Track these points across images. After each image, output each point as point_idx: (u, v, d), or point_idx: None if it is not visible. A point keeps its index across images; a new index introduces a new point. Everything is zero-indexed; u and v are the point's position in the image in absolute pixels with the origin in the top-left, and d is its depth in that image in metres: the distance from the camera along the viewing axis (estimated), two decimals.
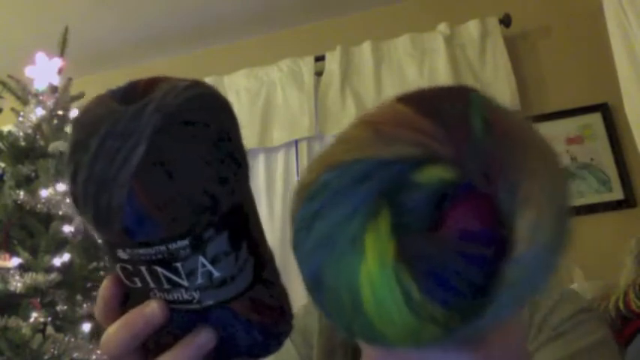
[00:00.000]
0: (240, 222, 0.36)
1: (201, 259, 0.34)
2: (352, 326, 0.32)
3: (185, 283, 0.34)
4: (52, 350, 1.52)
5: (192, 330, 0.36)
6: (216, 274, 0.34)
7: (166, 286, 0.35)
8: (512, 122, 0.33)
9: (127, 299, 0.37)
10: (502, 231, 0.30)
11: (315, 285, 0.33)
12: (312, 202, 0.32)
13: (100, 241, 0.36)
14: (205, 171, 0.33)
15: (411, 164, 0.31)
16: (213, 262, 0.34)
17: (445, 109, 0.32)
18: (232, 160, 0.35)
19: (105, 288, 0.37)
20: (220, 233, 0.34)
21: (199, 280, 0.34)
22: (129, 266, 0.35)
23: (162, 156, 0.32)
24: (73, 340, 1.56)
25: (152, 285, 0.35)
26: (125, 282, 0.36)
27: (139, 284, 0.35)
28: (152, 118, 0.32)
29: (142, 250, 0.34)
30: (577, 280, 1.99)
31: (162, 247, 0.33)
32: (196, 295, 0.35)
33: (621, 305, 1.45)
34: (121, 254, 0.34)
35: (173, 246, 0.33)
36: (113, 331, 0.35)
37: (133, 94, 0.34)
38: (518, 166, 0.30)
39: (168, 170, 0.32)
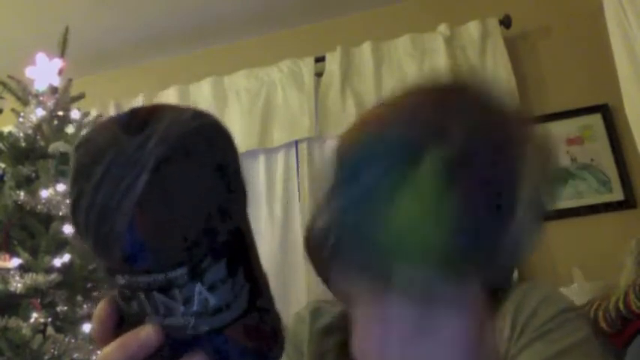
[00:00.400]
0: (238, 248, 0.37)
1: (199, 286, 0.35)
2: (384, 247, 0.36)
3: (181, 309, 0.35)
4: (52, 351, 1.52)
5: (185, 355, 0.37)
6: (212, 301, 0.35)
7: (162, 311, 0.35)
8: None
9: (122, 321, 0.38)
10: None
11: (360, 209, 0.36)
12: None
13: (98, 264, 0.37)
14: (206, 201, 0.34)
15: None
16: (210, 289, 0.35)
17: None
18: (232, 189, 0.36)
19: (101, 309, 0.38)
20: (218, 261, 0.35)
21: (195, 307, 0.35)
22: (127, 291, 0.36)
23: (165, 186, 0.33)
24: (73, 340, 1.56)
25: (149, 310, 0.36)
26: (122, 305, 0.37)
27: (136, 308, 0.36)
28: (156, 149, 0.33)
29: (140, 278, 0.34)
30: (577, 280, 1.99)
31: (161, 276, 0.34)
32: (192, 320, 0.35)
33: (621, 306, 1.45)
34: (120, 280, 0.35)
35: (172, 274, 0.34)
36: (108, 352, 0.36)
37: (137, 121, 0.35)
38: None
39: (170, 200, 0.33)
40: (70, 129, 1.98)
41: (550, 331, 0.64)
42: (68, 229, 1.73)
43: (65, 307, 1.65)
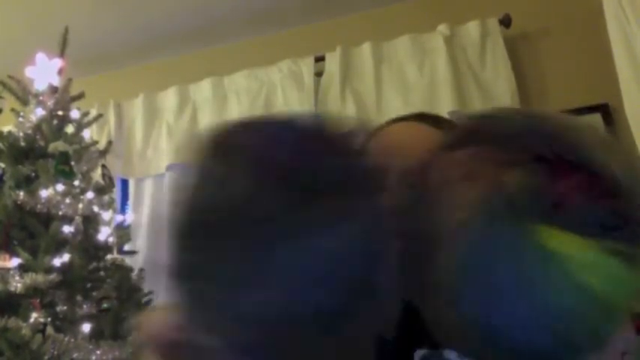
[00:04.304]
0: None
1: None
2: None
3: None
4: (51, 351, 1.51)
5: None
6: None
7: None
8: None
9: None
10: None
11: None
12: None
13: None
14: None
15: None
16: None
17: None
18: None
19: None
20: None
21: None
22: None
23: None
24: (72, 340, 1.56)
25: None
26: None
27: None
28: None
29: None
30: None
31: None
32: None
33: None
34: None
35: None
36: None
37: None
38: None
39: None
40: (69, 129, 1.98)
41: None
42: (68, 228, 1.73)
43: (65, 307, 1.65)
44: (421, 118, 0.78)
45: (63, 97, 1.96)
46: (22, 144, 1.86)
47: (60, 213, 1.74)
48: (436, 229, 0.38)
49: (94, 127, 2.43)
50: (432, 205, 0.39)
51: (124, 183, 2.70)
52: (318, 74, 2.49)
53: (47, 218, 1.73)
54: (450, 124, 0.79)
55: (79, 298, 1.70)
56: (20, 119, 1.89)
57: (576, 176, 0.37)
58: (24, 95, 1.94)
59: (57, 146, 1.82)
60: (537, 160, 0.37)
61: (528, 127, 0.39)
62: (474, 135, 0.41)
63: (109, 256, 1.88)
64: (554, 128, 0.39)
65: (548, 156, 0.37)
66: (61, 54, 1.98)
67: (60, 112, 1.94)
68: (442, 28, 2.38)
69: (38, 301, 1.57)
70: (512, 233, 0.36)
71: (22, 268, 1.60)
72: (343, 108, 2.39)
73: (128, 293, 1.84)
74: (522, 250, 0.35)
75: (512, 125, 0.40)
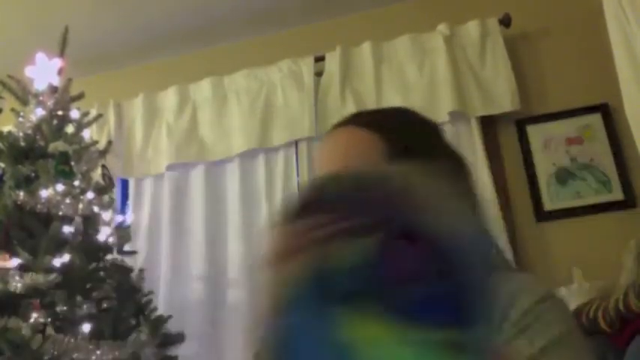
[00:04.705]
0: None
1: None
2: None
3: None
4: (51, 351, 1.51)
5: None
6: None
7: None
8: None
9: None
10: None
11: None
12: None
13: None
14: None
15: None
16: None
17: None
18: None
19: None
20: None
21: None
22: None
23: None
24: (72, 340, 1.56)
25: None
26: None
27: None
28: None
29: None
30: (577, 280, 1.99)
31: None
32: None
33: (621, 306, 1.45)
34: None
35: None
36: None
37: None
38: None
39: None
40: (69, 129, 1.98)
41: (529, 326, 0.63)
42: (68, 228, 1.73)
43: (65, 307, 1.65)
44: (356, 121, 0.79)
45: (63, 97, 1.95)
46: (22, 144, 1.86)
47: (60, 213, 1.74)
48: (259, 319, 0.36)
49: (94, 127, 2.43)
50: (261, 289, 0.37)
51: (124, 183, 2.71)
52: (318, 74, 2.49)
53: (47, 218, 1.73)
54: (387, 118, 0.81)
55: (79, 298, 1.70)
56: (20, 119, 1.89)
57: (407, 247, 0.34)
58: (24, 95, 1.94)
59: (57, 146, 1.83)
60: (368, 229, 0.34)
61: (364, 193, 0.36)
62: (311, 204, 0.38)
63: (108, 257, 1.88)
64: (388, 191, 0.36)
65: (380, 225, 0.34)
66: (61, 54, 1.98)
67: (60, 112, 1.94)
68: (442, 27, 2.38)
69: (38, 301, 1.57)
70: (314, 322, 0.33)
71: (22, 268, 1.60)
72: (343, 108, 2.39)
73: (128, 294, 1.84)
74: (320, 343, 0.33)
75: (346, 191, 0.37)
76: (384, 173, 0.39)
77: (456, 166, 0.78)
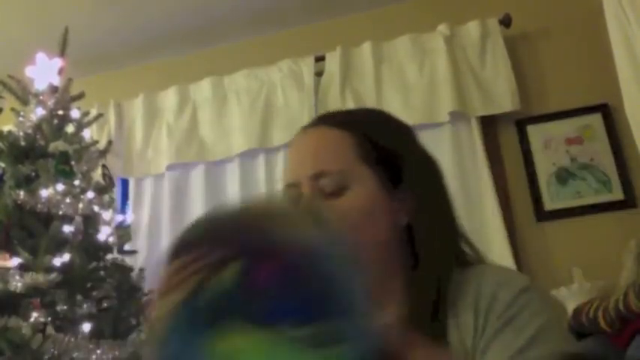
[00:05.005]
0: None
1: None
2: None
3: None
4: (52, 350, 1.51)
5: None
6: None
7: None
8: None
9: None
10: None
11: None
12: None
13: None
14: None
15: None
16: None
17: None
18: None
19: None
20: None
21: None
22: None
23: None
24: (72, 340, 1.56)
25: None
26: None
27: None
28: None
29: None
30: (577, 280, 1.99)
31: None
32: None
33: (621, 306, 1.45)
34: None
35: None
36: None
37: None
38: None
39: None
40: (69, 128, 1.98)
41: (514, 317, 0.64)
42: (68, 228, 1.73)
43: (65, 307, 1.65)
44: (326, 121, 0.79)
45: (63, 96, 1.95)
46: (22, 144, 1.86)
47: (60, 213, 1.74)
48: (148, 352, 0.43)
49: (94, 126, 2.44)
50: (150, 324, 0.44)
51: (124, 183, 2.71)
52: (318, 74, 2.50)
53: (47, 218, 1.73)
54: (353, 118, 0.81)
55: (79, 297, 1.70)
56: (20, 119, 1.89)
57: (269, 266, 0.39)
58: (24, 95, 1.94)
59: (57, 146, 1.82)
60: (236, 256, 0.39)
61: (224, 230, 0.42)
62: (185, 244, 0.44)
63: (109, 256, 1.88)
64: (249, 221, 0.42)
65: (239, 253, 0.39)
66: (61, 54, 1.98)
67: (60, 112, 1.94)
68: (442, 28, 2.38)
69: (38, 300, 1.57)
70: (188, 348, 0.38)
71: (23, 268, 1.60)
72: (343, 108, 2.39)
73: (128, 293, 1.84)
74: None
75: (211, 229, 0.43)
76: (243, 210, 0.46)
77: (426, 165, 0.78)
